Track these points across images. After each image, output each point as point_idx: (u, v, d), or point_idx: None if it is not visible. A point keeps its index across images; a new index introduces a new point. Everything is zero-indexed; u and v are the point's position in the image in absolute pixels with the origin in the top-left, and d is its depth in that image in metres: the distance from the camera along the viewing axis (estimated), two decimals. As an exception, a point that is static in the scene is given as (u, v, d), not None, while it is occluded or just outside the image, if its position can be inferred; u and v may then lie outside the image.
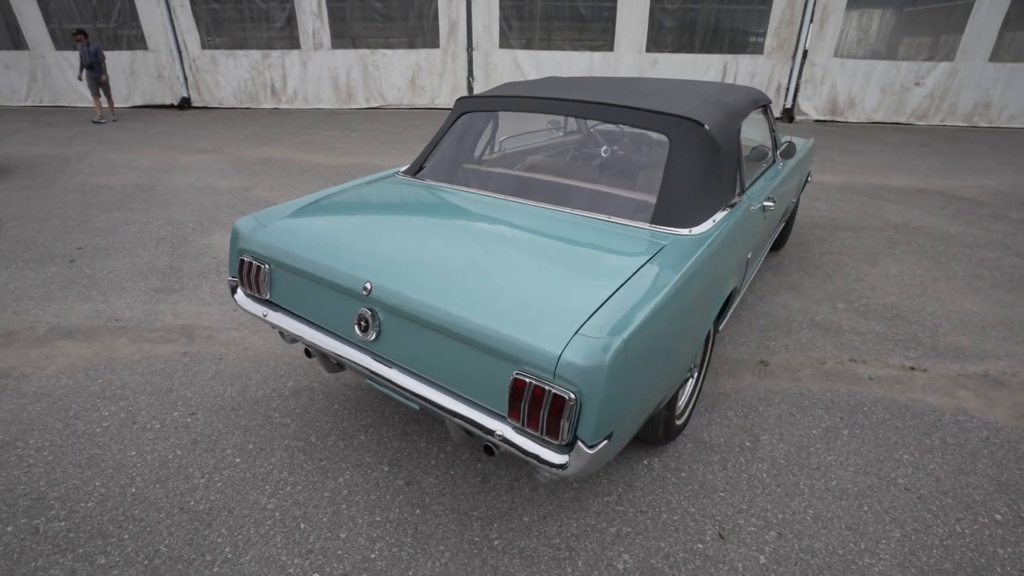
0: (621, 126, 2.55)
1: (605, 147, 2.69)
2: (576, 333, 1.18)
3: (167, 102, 11.47)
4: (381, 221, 1.83)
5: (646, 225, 1.70)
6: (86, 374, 2.44)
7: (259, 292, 1.83)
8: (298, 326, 1.70)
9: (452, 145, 2.30)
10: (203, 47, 11.20)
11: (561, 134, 3.18)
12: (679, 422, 1.97)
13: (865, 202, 5.18)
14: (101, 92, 9.06)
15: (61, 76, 11.25)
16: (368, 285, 1.48)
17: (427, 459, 1.93)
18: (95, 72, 8.72)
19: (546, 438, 1.20)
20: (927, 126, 9.87)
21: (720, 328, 2.24)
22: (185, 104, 11.43)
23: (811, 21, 9.62)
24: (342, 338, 1.61)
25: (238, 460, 1.93)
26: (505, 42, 10.79)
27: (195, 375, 2.43)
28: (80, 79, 9.14)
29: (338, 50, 11.20)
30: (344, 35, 11.09)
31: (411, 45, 11.07)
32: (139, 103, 11.44)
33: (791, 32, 9.76)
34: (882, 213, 4.85)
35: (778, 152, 2.87)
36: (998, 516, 1.72)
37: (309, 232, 1.77)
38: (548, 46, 10.75)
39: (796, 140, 3.81)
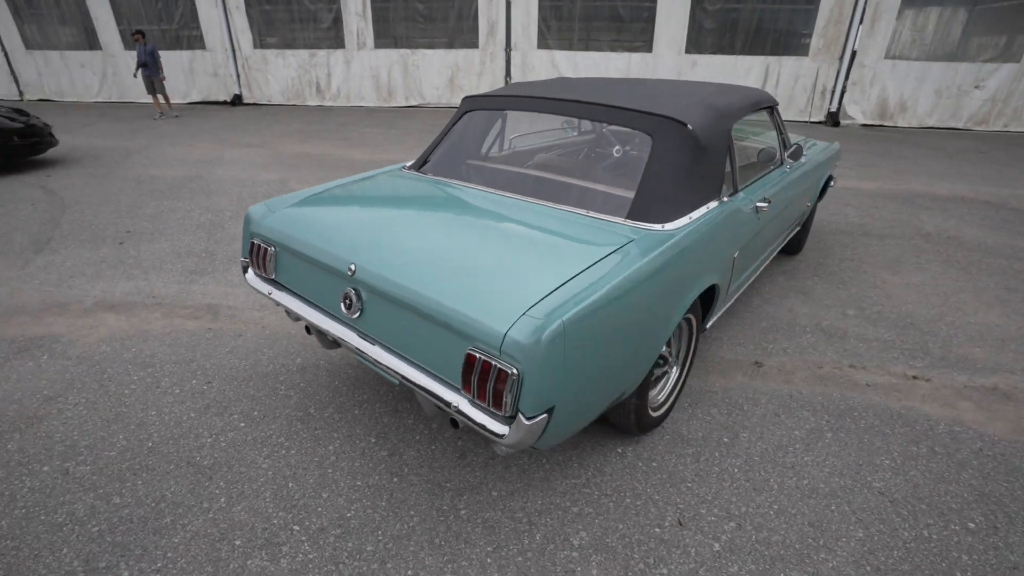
0: (611, 126, 2.59)
1: (594, 146, 2.74)
2: (523, 314, 1.27)
3: (221, 99, 12.15)
4: (375, 210, 1.97)
5: (621, 220, 1.77)
6: (122, 343, 2.70)
7: (266, 272, 2.01)
8: (297, 304, 1.86)
9: (454, 141, 2.42)
10: (255, 47, 11.80)
11: (575, 133, 3.26)
12: (655, 414, 2.02)
13: (899, 209, 4.99)
14: (155, 89, 9.66)
15: (128, 74, 12.09)
16: (352, 267, 1.62)
17: (412, 434, 2.05)
18: (149, 71, 9.32)
19: (492, 410, 1.30)
20: (987, 132, 9.31)
21: (708, 326, 2.28)
22: (237, 101, 12.07)
23: (861, 21, 9.25)
24: (332, 316, 1.75)
25: (243, 424, 2.12)
26: (543, 43, 10.87)
27: (215, 348, 2.65)
28: (135, 76, 9.81)
29: (380, 50, 11.56)
30: (386, 35, 11.44)
31: (450, 45, 11.31)
32: (196, 100, 12.17)
33: (839, 32, 9.41)
34: (916, 221, 4.66)
35: (786, 154, 2.85)
36: (971, 525, 1.69)
37: (310, 218, 1.93)
38: (586, 47, 10.76)
39: (818, 143, 3.74)
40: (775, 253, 3.07)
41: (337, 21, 11.42)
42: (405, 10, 11.16)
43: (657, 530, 1.66)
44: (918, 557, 1.58)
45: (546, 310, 1.27)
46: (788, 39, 9.77)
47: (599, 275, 1.43)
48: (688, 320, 2.06)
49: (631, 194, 1.85)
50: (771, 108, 2.69)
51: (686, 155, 1.85)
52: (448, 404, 1.38)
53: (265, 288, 1.99)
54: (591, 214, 1.82)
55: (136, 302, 3.13)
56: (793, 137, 4.05)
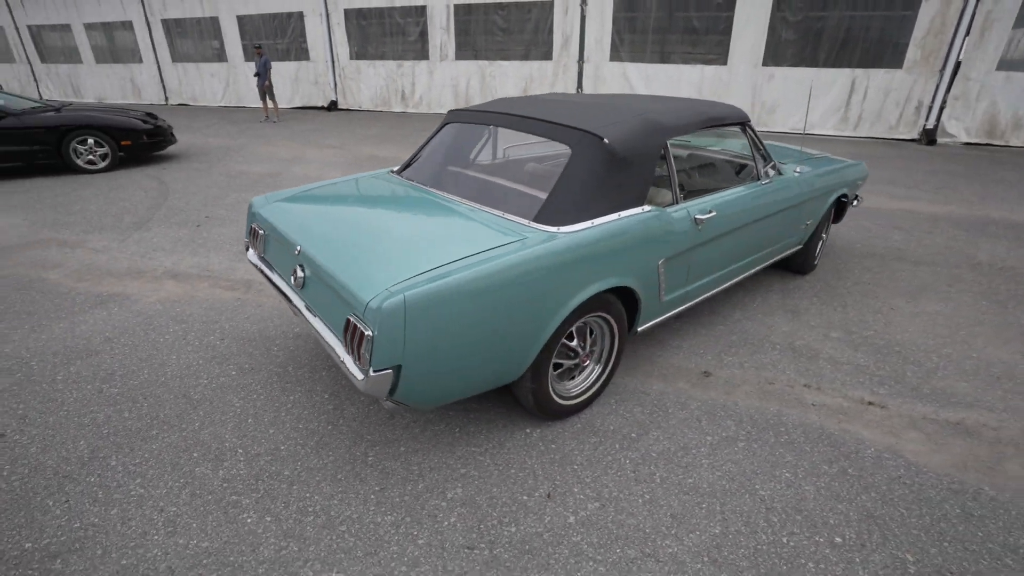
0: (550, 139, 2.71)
1: (538, 156, 2.90)
2: (385, 289, 1.56)
3: (319, 104, 13.54)
4: (339, 205, 2.34)
5: (527, 222, 1.99)
6: (171, 304, 3.33)
7: (259, 251, 2.46)
8: (276, 277, 2.28)
9: (431, 149, 2.75)
10: (351, 58, 13.03)
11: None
12: (566, 403, 2.19)
13: (957, 235, 4.58)
14: (267, 96, 11.04)
15: (245, 83, 13.87)
16: (298, 248, 2.00)
17: (358, 396, 2.40)
18: (262, 79, 10.68)
19: (358, 364, 1.60)
20: (1125, 156, 8.02)
21: (638, 330, 2.39)
22: (333, 106, 13.39)
23: (968, 30, 8.38)
24: (290, 287, 2.15)
25: (233, 373, 2.59)
26: (616, 55, 10.96)
27: (237, 314, 3.19)
28: (258, 84, 11.27)
29: (460, 61, 12.28)
30: (467, 47, 12.14)
31: (526, 57, 11.75)
32: (298, 105, 13.66)
33: (940, 42, 8.59)
34: (970, 249, 4.28)
35: (763, 169, 2.87)
36: (838, 540, 1.71)
37: (290, 209, 2.35)
38: (661, 59, 10.69)
39: (837, 161, 3.62)
40: (755, 269, 3.05)
41: (423, 35, 12.31)
42: (485, 24, 11.78)
43: (525, 498, 1.85)
44: (763, 558, 1.64)
45: (401, 287, 1.55)
46: (879, 50, 9.07)
47: (468, 265, 1.68)
48: (606, 320, 2.21)
49: (544, 199, 2.06)
50: (743, 124, 2.73)
51: (599, 166, 2.03)
52: (342, 361, 1.71)
53: (259, 264, 2.44)
54: (506, 215, 2.06)
55: (193, 273, 3.80)
56: (815, 153, 3.94)
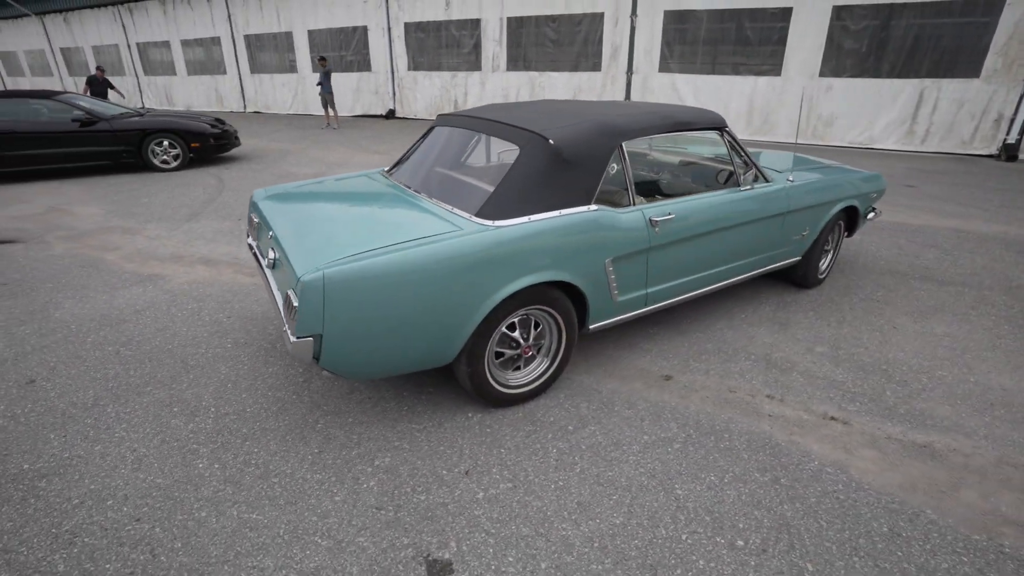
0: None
1: (498, 155, 2.98)
2: (316, 266, 1.74)
3: (378, 113, 14.30)
4: (322, 200, 2.57)
5: (469, 215, 2.12)
6: (196, 285, 3.72)
7: (254, 237, 2.74)
8: (261, 260, 2.55)
9: (416, 150, 2.95)
10: (408, 69, 13.69)
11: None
12: (508, 391, 2.28)
13: (1001, 257, 4.21)
14: (328, 105, 11.82)
15: (311, 92, 14.90)
16: (271, 232, 2.24)
17: (351, 383, 2.61)
18: (325, 88, 11.47)
19: (288, 331, 1.80)
20: None
21: (591, 328, 2.44)
22: (390, 115, 14.10)
23: (1056, 36, 7.63)
24: (265, 267, 2.40)
25: (229, 345, 2.88)
26: (665, 66, 10.85)
27: (248, 296, 3.52)
28: (319, 93, 12.12)
29: (511, 72, 12.59)
30: (518, 59, 12.43)
31: (575, 68, 11.87)
32: (359, 113, 14.49)
33: None
34: (1012, 271, 3.93)
35: (745, 175, 2.84)
36: (740, 543, 1.69)
37: (282, 200, 2.61)
38: (712, 70, 10.48)
39: (850, 172, 3.47)
40: (740, 277, 2.99)
41: (477, 46, 12.75)
42: (536, 35, 12.02)
43: (444, 472, 1.97)
44: (654, 550, 1.66)
45: (327, 265, 1.73)
46: (952, 59, 8.43)
47: (395, 250, 1.83)
48: (552, 315, 2.29)
49: (489, 194, 2.18)
50: (719, 129, 2.72)
51: (542, 165, 2.13)
52: (284, 326, 1.91)
53: (253, 248, 2.72)
54: (455, 209, 2.20)
55: (223, 261, 4.21)
56: (828, 163, 3.79)
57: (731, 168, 2.82)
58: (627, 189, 2.39)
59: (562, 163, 2.16)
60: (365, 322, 1.81)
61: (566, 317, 2.31)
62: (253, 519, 1.76)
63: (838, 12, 8.94)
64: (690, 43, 10.45)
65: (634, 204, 2.40)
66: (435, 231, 1.99)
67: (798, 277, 3.53)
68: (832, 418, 2.34)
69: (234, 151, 9.11)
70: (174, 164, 7.63)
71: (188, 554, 1.63)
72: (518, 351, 2.29)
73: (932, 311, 3.33)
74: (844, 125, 9.49)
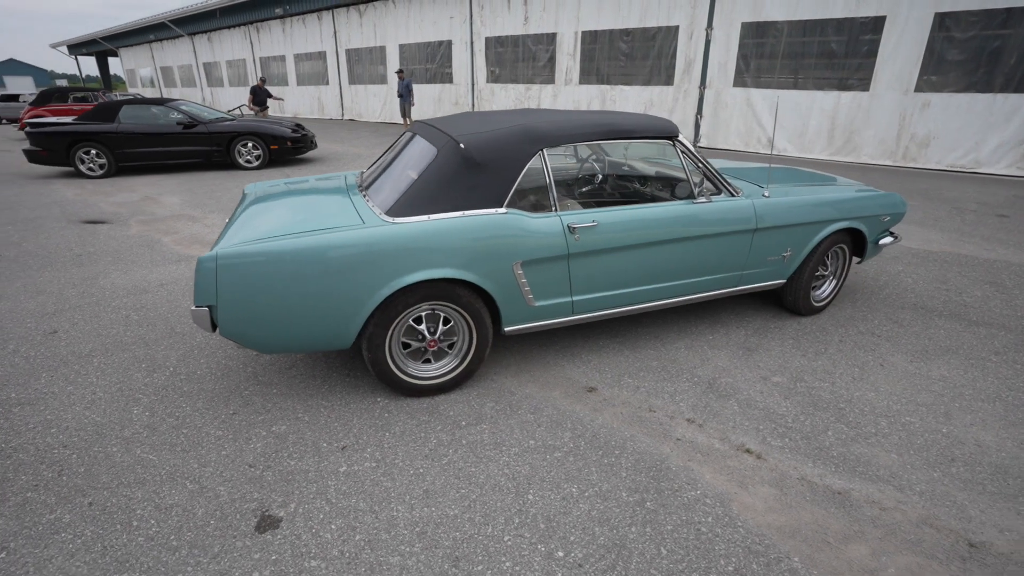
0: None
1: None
2: (219, 248, 1.98)
3: (455, 124, 14.99)
4: (289, 195, 2.84)
5: (379, 211, 2.26)
6: (219, 265, 4.23)
7: (238, 223, 3.10)
8: None
9: (384, 154, 3.15)
10: (487, 81, 14.22)
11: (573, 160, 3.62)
12: (414, 381, 2.38)
13: (1070, 303, 3.57)
14: (406, 114, 12.63)
15: (395, 102, 15.96)
16: (228, 219, 2.54)
17: (292, 359, 2.87)
18: (404, 99, 12.28)
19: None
20: None
21: (506, 331, 2.47)
22: (465, 126, 14.72)
23: None
24: None
25: (213, 319, 3.26)
26: (740, 80, 10.34)
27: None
28: (403, 105, 13.00)
29: (583, 85, 12.64)
30: (590, 72, 12.46)
31: (647, 82, 11.66)
32: (438, 124, 15.29)
33: None
34: (1075, 320, 3.33)
35: (701, 188, 2.73)
36: (560, 553, 1.64)
37: (259, 195, 2.93)
38: (791, 84, 9.81)
39: (857, 190, 3.17)
40: (703, 294, 2.84)
41: (551, 60, 12.96)
42: (610, 49, 11.99)
43: (324, 444, 2.11)
44: (470, 545, 1.66)
45: (223, 248, 1.97)
46: (1084, 72, 7.20)
47: (292, 237, 2.02)
48: (461, 314, 2.35)
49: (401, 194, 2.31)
50: (671, 138, 2.63)
51: (451, 168, 2.22)
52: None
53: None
54: (374, 206, 2.35)
55: (252, 246, 4.73)
56: (850, 182, 3.47)
57: (687, 179, 2.71)
58: (549, 195, 2.40)
59: (473, 167, 2.23)
60: (256, 299, 2.01)
61: (476, 317, 2.37)
62: (148, 459, 2.02)
63: (941, 20, 8.00)
64: (768, 56, 9.87)
65: (556, 210, 2.40)
66: (338, 223, 2.16)
67: (788, 302, 3.27)
68: (747, 450, 2.17)
69: (311, 153, 10.06)
70: (256, 163, 8.60)
71: (84, 478, 1.92)
72: (424, 344, 2.39)
73: (941, 352, 2.92)
74: (943, 146, 8.43)
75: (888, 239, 3.37)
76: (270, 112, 11.49)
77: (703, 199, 2.69)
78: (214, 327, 2.08)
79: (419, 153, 2.51)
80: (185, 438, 2.15)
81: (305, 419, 2.28)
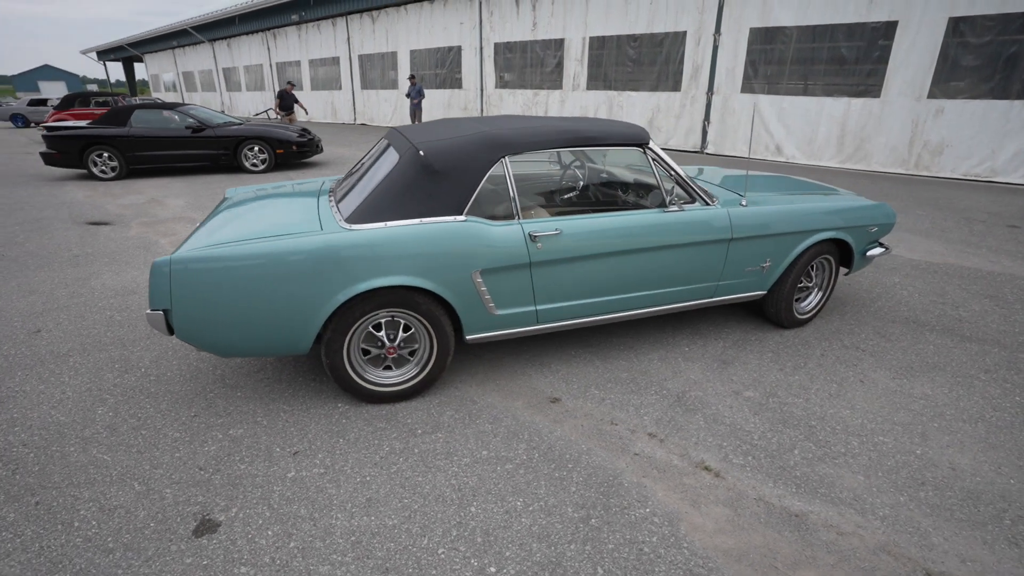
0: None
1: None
2: (177, 253, 2.00)
3: (464, 129, 15.06)
4: (262, 199, 2.86)
5: (339, 217, 2.26)
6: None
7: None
8: None
9: (360, 163, 3.16)
10: (496, 87, 14.27)
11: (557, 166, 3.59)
12: (373, 388, 2.36)
13: (1071, 319, 3.43)
14: (416, 118, 12.73)
15: (405, 107, 16.09)
16: (201, 218, 2.57)
17: (269, 361, 2.89)
18: (413, 104, 12.38)
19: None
20: None
21: (468, 339, 2.44)
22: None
23: None
24: None
25: (192, 321, 3.30)
26: (748, 86, 10.21)
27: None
28: (412, 109, 13.10)
29: (591, 91, 12.61)
30: (598, 78, 12.42)
31: (654, 88, 11.59)
32: (447, 128, 15.38)
33: None
34: (1074, 337, 3.19)
35: (672, 196, 2.68)
36: (492, 569, 1.61)
37: (236, 200, 2.96)
38: (800, 91, 9.66)
39: (846, 199, 3.08)
40: (676, 305, 2.79)
41: (559, 66, 12.96)
42: (617, 55, 11.94)
43: (277, 449, 2.10)
44: (404, 557, 1.64)
45: (178, 254, 1.98)
46: (1105, 79, 6.95)
47: (248, 243, 2.03)
48: (421, 321, 2.34)
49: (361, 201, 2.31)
50: (641, 146, 2.59)
51: (410, 176, 2.21)
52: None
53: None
54: (337, 213, 2.36)
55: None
56: (838, 190, 3.39)
57: (658, 187, 2.66)
58: (511, 202, 2.38)
59: (432, 174, 2.22)
60: (211, 304, 2.03)
61: (436, 325, 2.35)
62: (103, 459, 2.04)
63: (955, 24, 7.81)
64: (776, 62, 9.73)
65: (519, 218, 2.38)
66: (300, 230, 2.16)
67: (770, 314, 3.19)
68: (706, 468, 2.11)
69: (316, 157, 10.18)
70: (262, 167, 8.73)
71: (36, 477, 1.95)
72: (383, 351, 2.38)
73: (927, 369, 2.82)
74: (957, 154, 8.20)
75: (877, 250, 3.28)
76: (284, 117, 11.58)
77: (675, 208, 2.64)
78: (171, 331, 2.09)
79: (386, 161, 2.50)
80: (143, 439, 2.17)
81: (264, 423, 2.29)
